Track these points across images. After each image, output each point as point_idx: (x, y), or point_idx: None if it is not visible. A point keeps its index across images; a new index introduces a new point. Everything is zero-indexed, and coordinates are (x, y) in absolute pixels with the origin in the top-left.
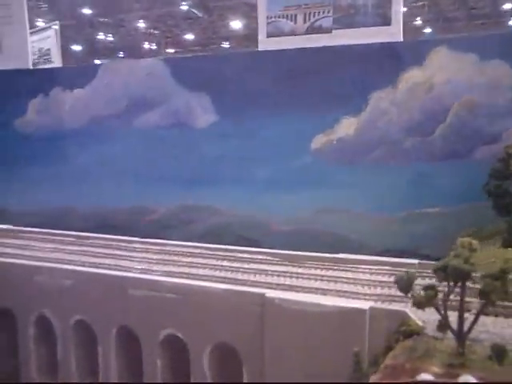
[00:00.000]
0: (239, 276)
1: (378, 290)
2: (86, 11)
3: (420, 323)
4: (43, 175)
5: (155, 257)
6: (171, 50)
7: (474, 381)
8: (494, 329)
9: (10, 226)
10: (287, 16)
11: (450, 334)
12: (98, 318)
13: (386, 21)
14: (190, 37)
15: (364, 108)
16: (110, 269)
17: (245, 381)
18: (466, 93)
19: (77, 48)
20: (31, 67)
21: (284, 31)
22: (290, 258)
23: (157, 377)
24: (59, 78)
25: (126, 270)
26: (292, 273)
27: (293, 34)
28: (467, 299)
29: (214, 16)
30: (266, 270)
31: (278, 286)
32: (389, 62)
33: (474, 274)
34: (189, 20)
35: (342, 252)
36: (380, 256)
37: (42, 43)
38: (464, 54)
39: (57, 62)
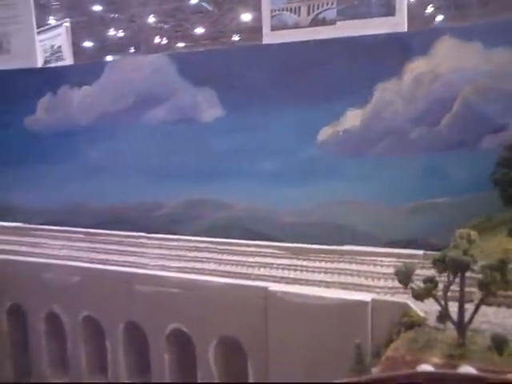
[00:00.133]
0: (243, 270)
1: (382, 282)
2: (97, 8)
3: (422, 314)
4: (52, 172)
5: (161, 252)
6: (181, 44)
7: (474, 371)
8: (495, 319)
9: (20, 224)
10: (291, 9)
11: (451, 325)
12: (105, 313)
13: (390, 11)
14: (199, 30)
15: (369, 99)
16: (117, 265)
17: (250, 373)
18: (473, 81)
19: (88, 44)
20: (39, 66)
21: (288, 24)
22: (294, 251)
23: (164, 371)
24: (67, 77)
25: (132, 266)
26: (296, 266)
27: (297, 26)
28: (469, 289)
29: (223, 9)
30: (271, 264)
31: (282, 280)
32: (394, 52)
33: (475, 265)
34: (199, 14)
35: (350, 244)
36: (387, 247)
37: (54, 41)
38: (470, 42)
39: (68, 59)
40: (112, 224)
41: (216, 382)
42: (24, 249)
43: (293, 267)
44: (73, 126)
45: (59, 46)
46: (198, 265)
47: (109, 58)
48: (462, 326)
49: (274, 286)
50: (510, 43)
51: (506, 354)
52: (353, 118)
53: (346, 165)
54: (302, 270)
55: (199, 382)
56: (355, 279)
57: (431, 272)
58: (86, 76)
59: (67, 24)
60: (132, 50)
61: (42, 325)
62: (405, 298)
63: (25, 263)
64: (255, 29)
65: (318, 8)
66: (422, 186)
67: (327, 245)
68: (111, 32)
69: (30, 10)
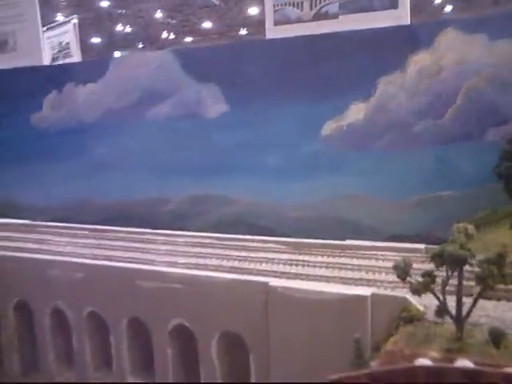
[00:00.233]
0: (246, 265)
1: (382, 276)
2: (104, 3)
3: (421, 308)
4: (58, 169)
5: (165, 248)
6: (189, 39)
7: (471, 364)
8: (494, 313)
9: (26, 221)
10: (293, 3)
11: (449, 319)
12: (109, 309)
13: (392, 4)
14: (207, 25)
15: (373, 93)
16: (121, 261)
17: (252, 367)
18: (477, 74)
19: (96, 40)
20: (47, 63)
21: (291, 19)
22: (296, 246)
23: (167, 365)
24: (72, 74)
25: (136, 262)
26: (298, 260)
27: (300, 21)
28: (468, 283)
29: (230, 3)
30: (273, 259)
31: (283, 275)
32: (397, 45)
33: (473, 259)
34: (206, 8)
35: (353, 238)
36: (391, 241)
37: (61, 37)
38: (474, 34)
39: (76, 55)
40: (117, 220)
41: (219, 382)
42: (30, 246)
43: (294, 262)
44: (78, 123)
45: (67, 43)
46: (202, 260)
47: (117, 53)
48: (459, 320)
49: (275, 282)
50: None
51: (503, 347)
52: (356, 112)
53: (350, 159)
54: (303, 265)
55: (203, 382)
56: (356, 274)
57: (432, 266)
58: (91, 73)
59: (75, 21)
60: (140, 45)
61: (48, 320)
62: (405, 292)
63: (31, 260)
64: (262, 22)
65: (320, 2)
66: (426, 179)
67: (331, 239)
68: (119, 28)
69: (35, 8)
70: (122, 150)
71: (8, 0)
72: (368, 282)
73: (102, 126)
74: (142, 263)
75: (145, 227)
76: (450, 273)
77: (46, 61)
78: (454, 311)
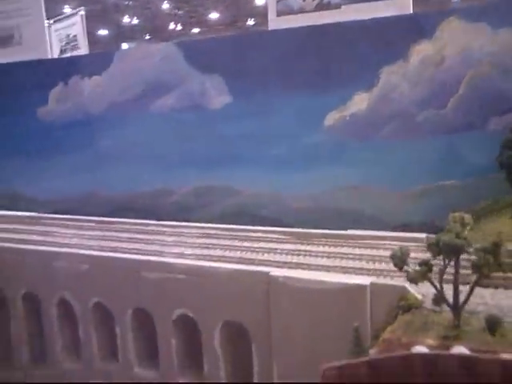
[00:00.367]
0: (248, 255)
1: (383, 266)
2: None
3: (419, 297)
4: (64, 162)
5: (169, 239)
6: (196, 30)
7: (467, 351)
8: (491, 301)
9: (32, 214)
10: None
11: (447, 307)
12: (114, 300)
13: None
14: (214, 16)
15: (376, 83)
16: (126, 252)
17: (254, 356)
18: (479, 63)
19: (103, 32)
20: (52, 57)
21: (293, 9)
22: (298, 236)
23: (172, 355)
24: (77, 67)
25: (140, 254)
26: (300, 250)
27: (302, 11)
28: (466, 272)
29: None
30: (275, 249)
31: (284, 265)
32: (399, 35)
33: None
34: None
35: (356, 228)
36: (395, 230)
37: (69, 30)
38: (476, 23)
39: (83, 47)
40: (122, 212)
41: (224, 382)
42: (36, 238)
43: (296, 252)
44: (83, 116)
45: (74, 36)
46: (206, 251)
47: (124, 45)
48: (456, 308)
49: (276, 271)
50: None
51: (500, 334)
52: (359, 102)
53: (353, 149)
54: (304, 255)
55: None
56: (356, 263)
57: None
58: (96, 66)
59: (82, 13)
60: (147, 37)
61: (55, 311)
62: (403, 282)
63: (37, 252)
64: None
65: None
66: (428, 169)
67: (334, 229)
68: (126, 19)
69: (40, 1)
70: (127, 142)
71: None
72: (368, 272)
73: (107, 119)
74: (147, 254)
75: (150, 219)
76: (446, 261)
77: (55, 53)
78: (451, 299)
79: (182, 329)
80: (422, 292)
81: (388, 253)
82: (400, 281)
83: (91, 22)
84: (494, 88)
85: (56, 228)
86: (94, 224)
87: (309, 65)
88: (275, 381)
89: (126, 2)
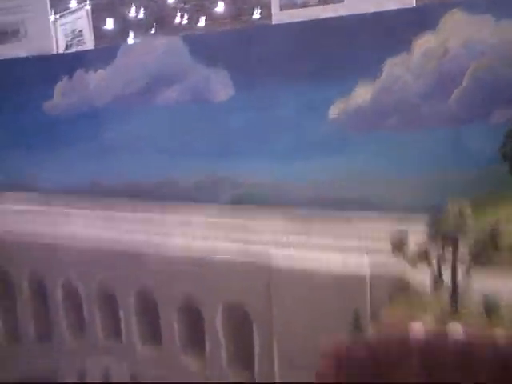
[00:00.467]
0: (249, 237)
1: (383, 248)
2: None
3: (417, 280)
4: (69, 154)
5: (173, 224)
6: (202, 24)
7: (463, 332)
8: (489, 284)
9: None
10: None
11: (445, 291)
12: (117, 283)
13: None
14: (220, 9)
15: (379, 75)
16: (129, 237)
17: (255, 338)
18: (482, 55)
19: (109, 27)
20: (58, 51)
21: (297, 3)
22: (301, 221)
23: (174, 337)
24: (82, 61)
25: (144, 238)
26: (300, 233)
27: (305, 5)
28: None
29: None
30: (276, 232)
31: (286, 248)
32: (402, 27)
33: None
34: None
35: (359, 215)
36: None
37: (74, 25)
38: (479, 15)
39: (89, 42)
40: (127, 201)
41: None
42: (41, 222)
43: (297, 235)
44: (88, 109)
45: (80, 30)
46: (207, 233)
47: (130, 39)
48: (454, 290)
49: (276, 255)
50: None
51: (496, 317)
52: (363, 94)
53: (357, 140)
54: (306, 237)
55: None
56: (357, 245)
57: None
58: (101, 60)
59: (88, 7)
60: (152, 30)
61: (60, 293)
62: (403, 264)
63: (42, 235)
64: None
65: None
66: (433, 159)
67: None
68: (131, 13)
69: None
70: (131, 135)
71: None
72: (368, 254)
73: (112, 112)
74: (150, 239)
75: (154, 208)
76: (444, 245)
77: (60, 48)
78: (449, 283)
79: (184, 311)
80: (421, 275)
81: (388, 236)
82: (399, 263)
83: (97, 15)
84: (497, 80)
85: (61, 215)
86: (98, 210)
87: (312, 58)
88: (276, 360)
89: None
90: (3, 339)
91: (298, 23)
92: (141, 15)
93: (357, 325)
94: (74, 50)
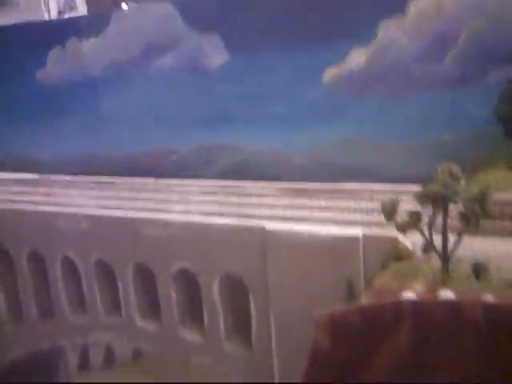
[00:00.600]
0: (245, 210)
1: (376, 217)
2: None
3: (409, 247)
4: (65, 124)
5: (168, 196)
6: None
7: (453, 296)
8: (479, 249)
9: (36, 176)
10: None
11: (436, 256)
12: (115, 256)
13: None
14: None
15: (374, 38)
16: (126, 210)
17: (252, 306)
18: (476, 15)
19: None
20: (50, 18)
21: None
22: (295, 191)
23: (172, 309)
24: (75, 28)
25: (140, 211)
26: (295, 204)
27: None
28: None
29: None
30: (271, 204)
31: (280, 218)
32: None
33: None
34: None
35: (354, 181)
36: (391, 182)
37: None
38: None
39: (81, 8)
40: (124, 171)
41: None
42: (39, 198)
43: (291, 206)
44: (82, 78)
45: None
46: (204, 207)
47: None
48: (445, 255)
49: (271, 225)
50: None
51: (485, 279)
52: (358, 58)
53: (353, 105)
54: (300, 209)
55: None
56: (350, 215)
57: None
58: (94, 27)
59: None
60: None
61: (59, 268)
62: (395, 232)
63: (40, 212)
64: None
65: None
66: (428, 122)
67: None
68: None
69: None
70: (127, 103)
71: None
72: (361, 223)
73: (107, 80)
74: (147, 211)
75: (151, 178)
76: (435, 211)
77: (53, 15)
78: (440, 248)
79: (181, 283)
80: (413, 241)
81: (380, 205)
82: (391, 231)
83: None
84: (492, 40)
85: (58, 189)
86: (94, 184)
87: (307, 22)
88: (272, 328)
89: None
90: (7, 318)
91: None
92: None
93: (350, 292)
94: (66, 16)
